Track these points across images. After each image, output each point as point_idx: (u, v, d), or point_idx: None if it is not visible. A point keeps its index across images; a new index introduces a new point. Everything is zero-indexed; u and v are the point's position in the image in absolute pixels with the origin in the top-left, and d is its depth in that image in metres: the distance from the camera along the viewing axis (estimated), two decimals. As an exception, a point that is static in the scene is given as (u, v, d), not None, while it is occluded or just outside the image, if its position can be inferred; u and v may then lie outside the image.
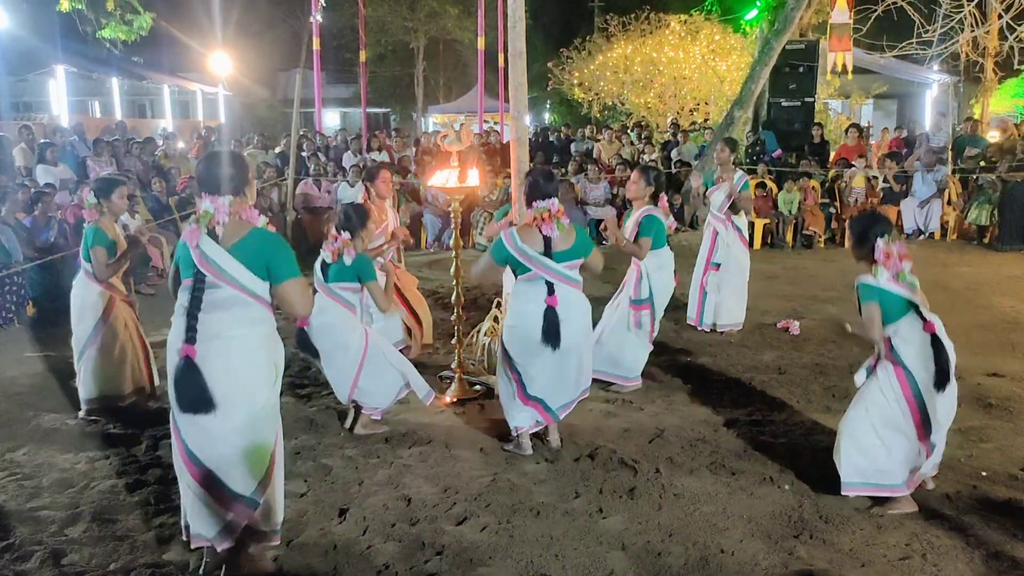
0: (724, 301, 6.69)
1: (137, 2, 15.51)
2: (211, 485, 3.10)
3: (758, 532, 3.58)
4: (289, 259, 3.14)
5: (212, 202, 3.07)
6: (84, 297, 5.00)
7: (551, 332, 4.10)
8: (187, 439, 3.10)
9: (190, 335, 3.01)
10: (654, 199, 5.45)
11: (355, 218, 4.61)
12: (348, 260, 4.50)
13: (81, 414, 5.05)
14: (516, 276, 4.27)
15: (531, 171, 4.44)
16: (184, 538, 3.29)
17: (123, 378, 5.08)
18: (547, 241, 4.12)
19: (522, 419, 4.35)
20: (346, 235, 4.56)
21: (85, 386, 5.03)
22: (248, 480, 3.13)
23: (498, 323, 5.64)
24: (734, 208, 6.66)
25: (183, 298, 3.10)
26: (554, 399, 4.34)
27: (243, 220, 3.11)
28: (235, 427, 3.06)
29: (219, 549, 3.20)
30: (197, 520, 3.17)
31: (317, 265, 4.62)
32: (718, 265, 6.66)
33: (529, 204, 4.24)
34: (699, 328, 6.76)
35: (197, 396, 2.98)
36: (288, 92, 30.20)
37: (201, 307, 3.03)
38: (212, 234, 3.06)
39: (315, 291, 4.41)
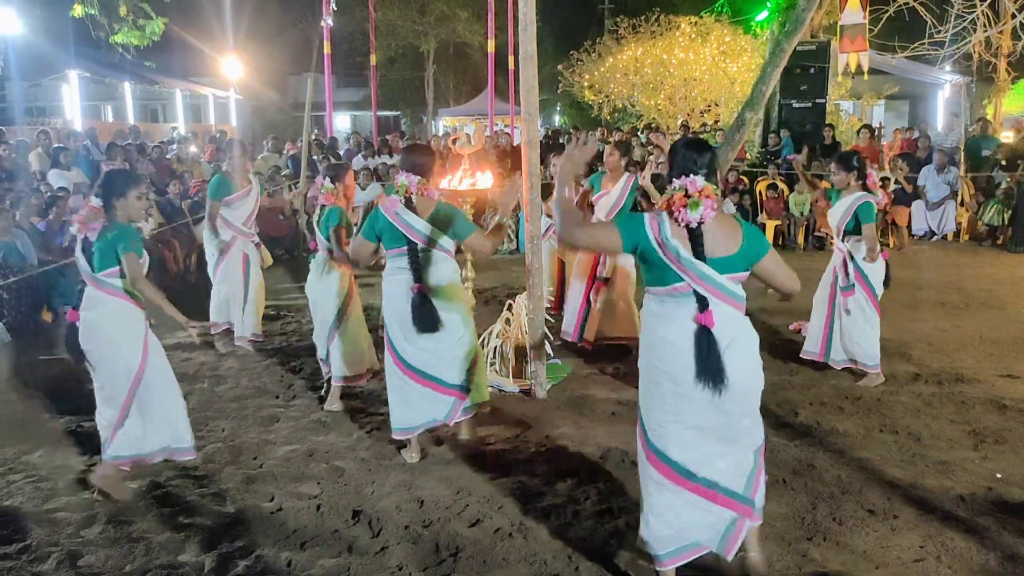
0: (603, 314, 6.19)
1: (149, 7, 15.63)
2: (428, 381, 4.26)
3: (771, 534, 3.56)
4: (466, 220, 4.32)
5: (407, 178, 4.17)
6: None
7: (706, 362, 2.86)
8: (406, 355, 4.24)
9: (417, 276, 4.12)
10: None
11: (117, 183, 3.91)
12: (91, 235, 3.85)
13: None
14: (647, 284, 3.06)
15: (678, 141, 3.25)
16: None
17: None
18: (694, 237, 2.92)
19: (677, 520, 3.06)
20: (97, 201, 3.87)
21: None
22: (461, 373, 4.31)
23: (510, 324, 5.65)
24: (620, 215, 6.09)
25: (400, 261, 4.20)
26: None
27: (427, 197, 4.22)
28: (457, 339, 4.26)
29: (450, 423, 4.40)
30: (419, 411, 4.30)
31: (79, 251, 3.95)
32: (606, 280, 6.16)
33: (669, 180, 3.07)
34: (579, 344, 6.27)
35: (431, 319, 4.11)
36: (299, 96, 30.36)
37: (420, 264, 4.14)
38: (409, 205, 4.13)
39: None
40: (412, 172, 4.23)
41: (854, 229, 5.38)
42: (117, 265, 3.82)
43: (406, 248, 4.19)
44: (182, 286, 8.79)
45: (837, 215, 5.44)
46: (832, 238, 10.85)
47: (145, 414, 3.96)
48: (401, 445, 4.47)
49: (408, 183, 4.18)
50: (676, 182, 2.97)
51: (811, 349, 5.74)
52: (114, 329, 3.88)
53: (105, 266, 3.84)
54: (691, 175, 2.95)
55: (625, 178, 6.21)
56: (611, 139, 15.48)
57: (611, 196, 6.16)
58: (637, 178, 6.30)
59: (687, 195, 2.91)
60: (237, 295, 6.43)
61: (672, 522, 3.04)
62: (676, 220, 2.91)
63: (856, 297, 5.47)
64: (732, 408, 2.94)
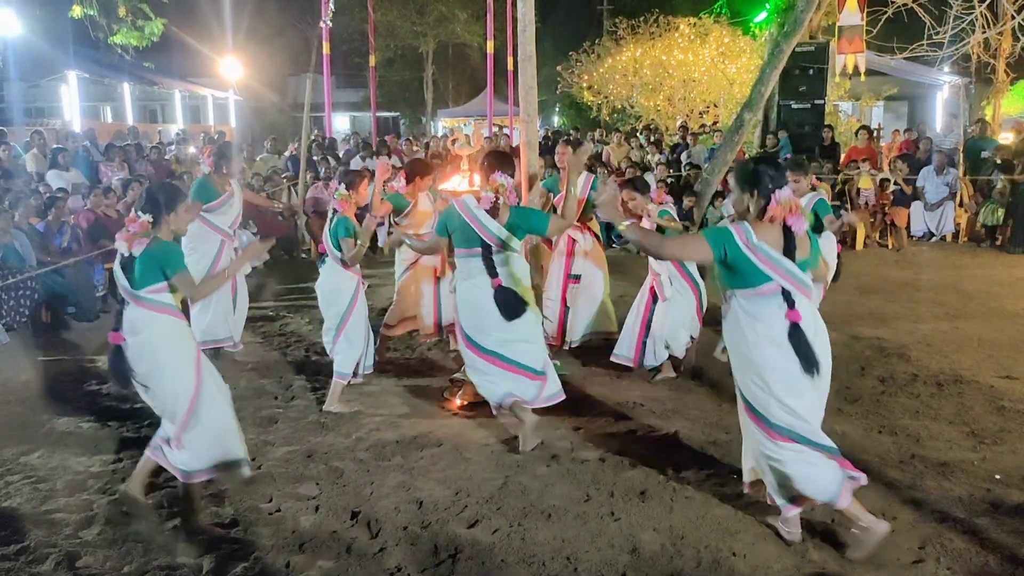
0: (579, 313, 6.21)
1: (148, 8, 15.63)
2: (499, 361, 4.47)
3: (770, 535, 3.56)
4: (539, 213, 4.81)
5: (504, 179, 4.34)
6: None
7: (805, 354, 3.26)
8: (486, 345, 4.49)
9: (493, 273, 4.38)
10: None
11: (162, 198, 3.73)
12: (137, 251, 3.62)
13: None
14: (735, 288, 3.36)
15: (748, 161, 3.58)
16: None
17: None
18: (790, 242, 3.28)
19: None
20: (147, 217, 3.67)
21: None
22: (534, 357, 4.50)
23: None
24: (585, 214, 6.10)
25: (475, 263, 4.43)
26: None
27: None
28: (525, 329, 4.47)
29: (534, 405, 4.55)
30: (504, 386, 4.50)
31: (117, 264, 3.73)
32: (578, 277, 6.16)
33: (752, 193, 3.34)
34: (565, 347, 6.27)
35: (515, 306, 4.37)
36: (298, 96, 30.38)
37: (495, 266, 4.38)
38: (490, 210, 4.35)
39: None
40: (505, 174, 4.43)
41: (813, 229, 5.34)
42: (161, 281, 3.63)
43: (479, 248, 4.42)
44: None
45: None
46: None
47: (202, 428, 3.67)
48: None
49: (506, 183, 4.37)
50: (780, 195, 3.28)
51: None
52: (168, 348, 3.64)
53: (147, 283, 3.61)
54: (782, 188, 3.30)
55: (584, 177, 6.06)
56: (610, 140, 15.49)
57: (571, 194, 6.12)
58: (596, 178, 6.28)
59: (790, 207, 3.27)
60: (226, 303, 6.17)
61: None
62: (791, 227, 3.27)
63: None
64: (822, 385, 3.39)
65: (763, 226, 3.28)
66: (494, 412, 4.70)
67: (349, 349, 5.18)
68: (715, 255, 3.28)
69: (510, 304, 4.36)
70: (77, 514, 3.85)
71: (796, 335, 3.24)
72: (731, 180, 3.57)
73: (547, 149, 14.54)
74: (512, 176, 4.44)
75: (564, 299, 6.22)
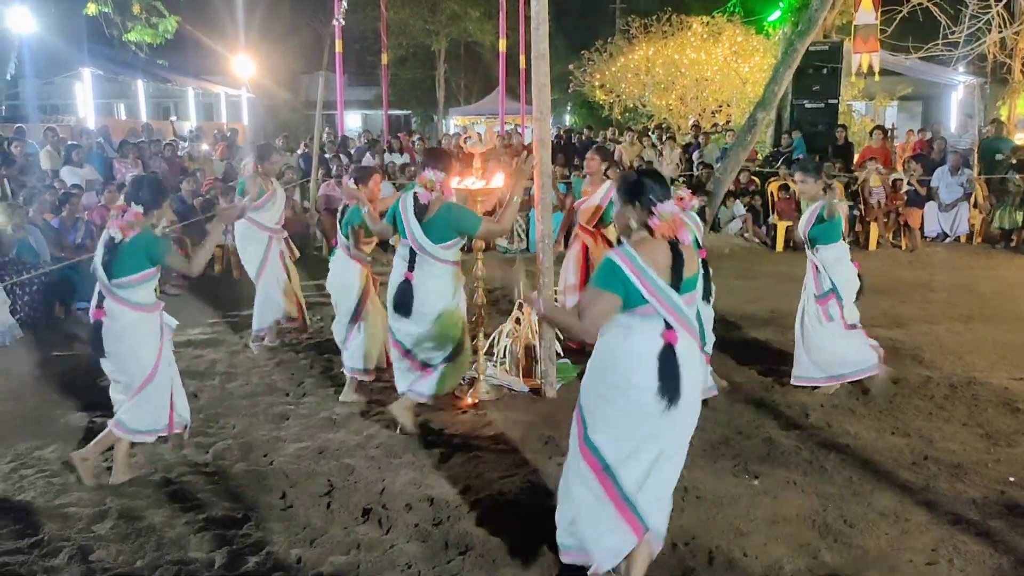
0: None
1: (162, 6, 15.70)
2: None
3: (782, 536, 3.55)
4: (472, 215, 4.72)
5: (433, 173, 4.52)
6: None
7: (668, 378, 2.90)
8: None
9: (411, 266, 4.52)
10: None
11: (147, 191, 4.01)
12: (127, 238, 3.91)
13: None
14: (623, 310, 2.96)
15: (631, 172, 3.20)
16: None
17: None
18: (677, 261, 2.95)
19: (612, 544, 3.05)
20: (139, 208, 3.94)
21: None
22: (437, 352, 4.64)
23: (520, 324, 5.65)
24: (603, 222, 6.13)
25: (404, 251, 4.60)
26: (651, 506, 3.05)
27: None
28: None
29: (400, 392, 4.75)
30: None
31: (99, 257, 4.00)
32: None
33: (632, 206, 3.02)
34: (586, 348, 6.29)
35: (402, 305, 4.58)
36: (310, 94, 30.47)
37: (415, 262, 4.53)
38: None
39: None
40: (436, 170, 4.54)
41: (819, 237, 5.22)
42: (137, 272, 3.97)
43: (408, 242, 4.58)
44: (195, 281, 8.80)
45: (802, 222, 5.37)
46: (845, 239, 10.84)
47: (148, 402, 4.15)
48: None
49: (434, 178, 4.49)
50: (661, 208, 2.94)
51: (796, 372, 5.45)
52: (133, 339, 4.07)
53: (123, 272, 3.94)
54: (664, 202, 2.96)
55: (607, 184, 6.11)
56: (622, 139, 15.46)
57: (592, 201, 6.18)
58: None
59: (673, 223, 2.94)
60: (276, 290, 6.45)
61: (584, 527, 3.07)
62: (677, 242, 2.94)
63: (831, 301, 5.26)
64: (674, 425, 2.99)
65: (649, 244, 2.95)
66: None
67: (365, 341, 5.29)
68: (621, 297, 2.89)
69: (398, 301, 4.56)
70: (90, 508, 3.87)
71: (667, 357, 2.90)
72: (614, 193, 3.34)
73: (560, 148, 14.54)
74: (444, 171, 4.53)
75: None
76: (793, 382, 5.40)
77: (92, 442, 4.23)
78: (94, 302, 4.05)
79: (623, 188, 3.07)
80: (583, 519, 3.07)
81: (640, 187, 2.99)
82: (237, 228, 6.46)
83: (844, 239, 5.36)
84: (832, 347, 5.25)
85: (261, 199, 6.30)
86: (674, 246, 2.94)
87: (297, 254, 5.74)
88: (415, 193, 4.57)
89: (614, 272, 2.91)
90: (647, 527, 3.01)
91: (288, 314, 6.51)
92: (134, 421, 4.13)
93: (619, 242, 3.19)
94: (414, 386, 4.71)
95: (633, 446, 2.98)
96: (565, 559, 3.18)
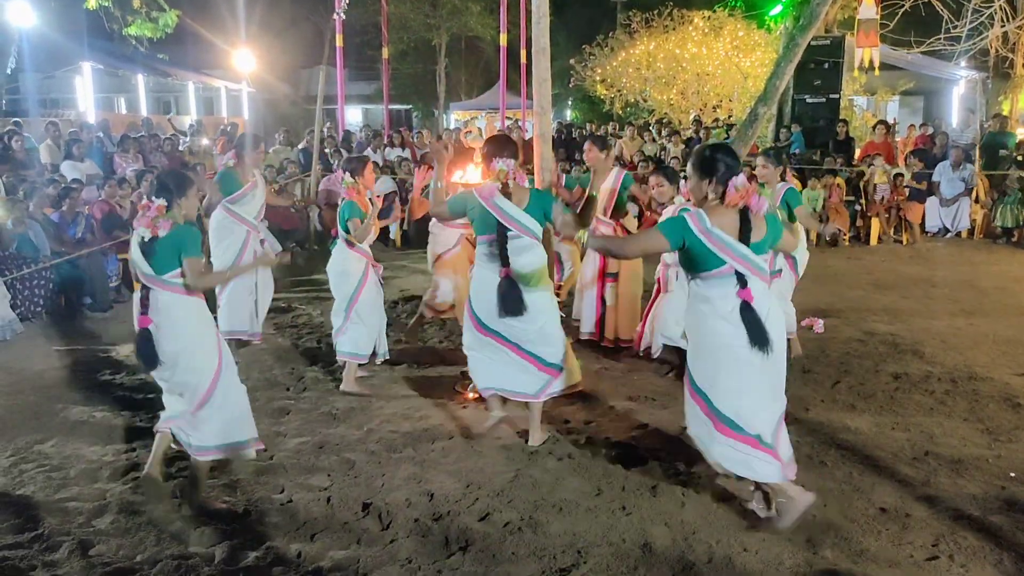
0: (622, 312, 6.15)
1: (163, 0, 15.65)
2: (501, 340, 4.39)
3: (782, 531, 3.55)
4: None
5: (504, 163, 4.23)
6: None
7: (755, 331, 3.32)
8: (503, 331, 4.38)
9: (505, 262, 4.23)
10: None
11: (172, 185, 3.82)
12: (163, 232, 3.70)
13: None
14: (693, 272, 3.44)
15: (704, 148, 3.57)
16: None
17: None
18: (744, 224, 3.34)
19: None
20: (161, 201, 3.74)
21: None
22: (558, 352, 4.41)
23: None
24: (619, 211, 6.16)
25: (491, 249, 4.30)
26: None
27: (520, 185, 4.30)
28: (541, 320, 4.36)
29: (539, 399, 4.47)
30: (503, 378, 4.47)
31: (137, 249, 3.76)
32: (615, 275, 6.09)
33: (710, 180, 3.41)
34: (602, 343, 6.20)
35: (513, 303, 4.23)
36: (311, 88, 30.38)
37: (508, 254, 4.23)
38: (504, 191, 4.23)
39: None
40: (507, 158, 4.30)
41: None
42: (179, 267, 3.71)
43: (495, 235, 4.28)
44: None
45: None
46: (846, 234, 10.84)
47: (219, 407, 3.80)
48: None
49: (507, 168, 4.26)
50: (736, 181, 3.35)
51: None
52: (193, 329, 3.77)
53: (168, 268, 3.69)
54: (738, 175, 3.38)
55: (616, 172, 6.13)
56: (622, 135, 15.43)
57: (605, 185, 6.06)
58: (628, 174, 6.25)
59: (747, 192, 3.36)
60: (248, 296, 6.12)
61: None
62: (751, 209, 3.36)
63: (784, 277, 5.56)
64: (772, 370, 3.44)
65: (719, 211, 3.37)
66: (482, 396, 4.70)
67: (361, 327, 5.34)
68: (672, 244, 3.40)
69: (508, 299, 4.22)
70: (91, 502, 3.87)
71: (748, 313, 3.32)
72: (688, 167, 3.57)
73: (561, 142, 14.51)
74: (514, 158, 4.28)
75: (601, 297, 6.15)
76: None
77: (151, 458, 3.93)
78: (137, 311, 3.74)
79: (698, 164, 3.46)
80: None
81: (714, 162, 3.41)
82: (213, 219, 6.11)
83: None
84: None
85: (240, 191, 6.08)
86: (743, 213, 3.34)
87: (274, 259, 5.46)
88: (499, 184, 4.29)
89: (682, 226, 3.36)
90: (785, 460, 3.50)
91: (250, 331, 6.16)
92: (205, 438, 3.77)
93: None
94: (550, 388, 4.42)
95: (759, 398, 3.42)
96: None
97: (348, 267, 5.39)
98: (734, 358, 3.37)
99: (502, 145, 4.37)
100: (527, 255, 4.29)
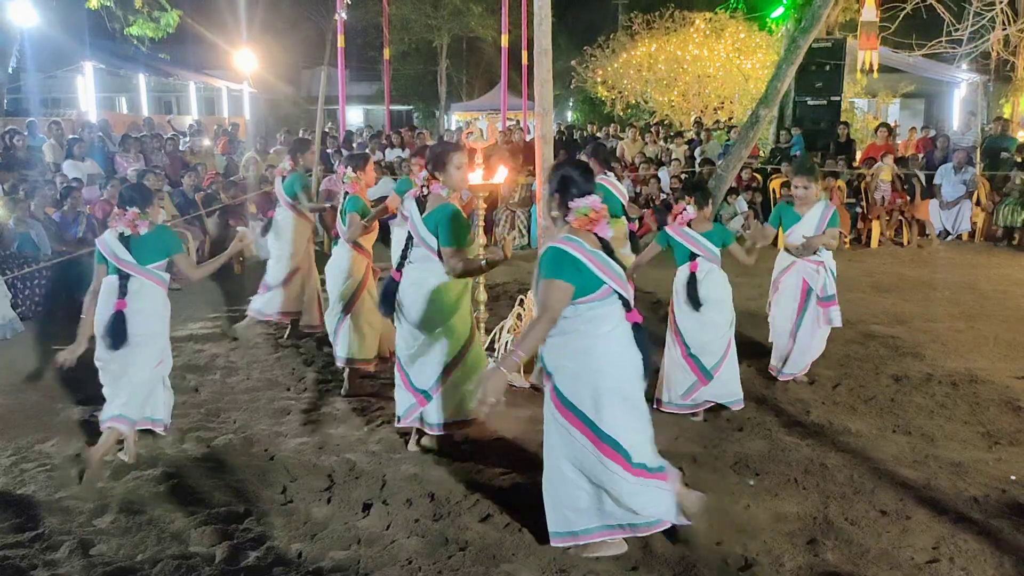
0: None
1: (164, 0, 15.66)
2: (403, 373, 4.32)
3: (783, 533, 3.55)
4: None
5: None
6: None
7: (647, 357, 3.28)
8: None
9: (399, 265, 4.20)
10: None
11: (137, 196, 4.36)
12: (142, 230, 4.27)
13: None
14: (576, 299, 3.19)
15: (561, 164, 3.43)
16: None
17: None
18: (605, 246, 3.26)
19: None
20: (134, 209, 4.27)
21: None
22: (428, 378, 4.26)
23: (521, 320, 5.64)
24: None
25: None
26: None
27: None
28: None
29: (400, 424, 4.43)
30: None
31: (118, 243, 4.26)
32: None
33: (563, 205, 3.26)
34: None
35: (383, 302, 4.24)
36: (312, 89, 30.41)
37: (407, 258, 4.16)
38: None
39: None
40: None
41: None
42: (161, 260, 4.33)
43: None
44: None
45: (812, 227, 5.25)
46: (846, 237, 10.84)
47: (154, 385, 4.39)
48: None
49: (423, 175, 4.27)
50: (579, 203, 3.20)
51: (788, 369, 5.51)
52: (161, 314, 4.38)
53: (150, 261, 4.28)
54: (588, 196, 3.23)
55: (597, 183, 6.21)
56: (624, 135, 15.43)
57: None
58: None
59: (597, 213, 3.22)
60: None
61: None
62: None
63: (834, 307, 5.39)
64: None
65: (582, 231, 3.20)
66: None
67: (354, 336, 5.32)
68: (576, 286, 3.13)
69: (382, 298, 4.23)
70: (91, 502, 3.87)
71: (639, 336, 3.24)
72: (544, 180, 3.48)
73: (562, 144, 14.51)
74: (433, 163, 4.17)
75: None
76: (782, 377, 5.49)
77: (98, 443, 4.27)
78: (115, 296, 4.21)
79: (551, 178, 3.28)
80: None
81: (564, 182, 3.23)
82: (281, 216, 6.66)
83: None
84: (818, 347, 5.50)
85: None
86: (600, 237, 3.21)
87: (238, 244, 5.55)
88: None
89: (563, 260, 3.11)
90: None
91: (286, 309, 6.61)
92: (132, 406, 4.28)
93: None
94: (413, 413, 4.35)
95: (641, 420, 3.29)
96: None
97: (347, 267, 5.38)
98: (630, 383, 3.26)
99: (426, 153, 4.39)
100: (418, 269, 4.15)
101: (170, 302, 4.46)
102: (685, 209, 4.83)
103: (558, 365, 3.22)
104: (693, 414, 4.87)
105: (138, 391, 4.28)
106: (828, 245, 5.29)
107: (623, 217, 6.04)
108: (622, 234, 6.00)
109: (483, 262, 4.13)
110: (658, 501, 3.28)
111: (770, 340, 5.65)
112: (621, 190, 6.18)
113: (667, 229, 4.93)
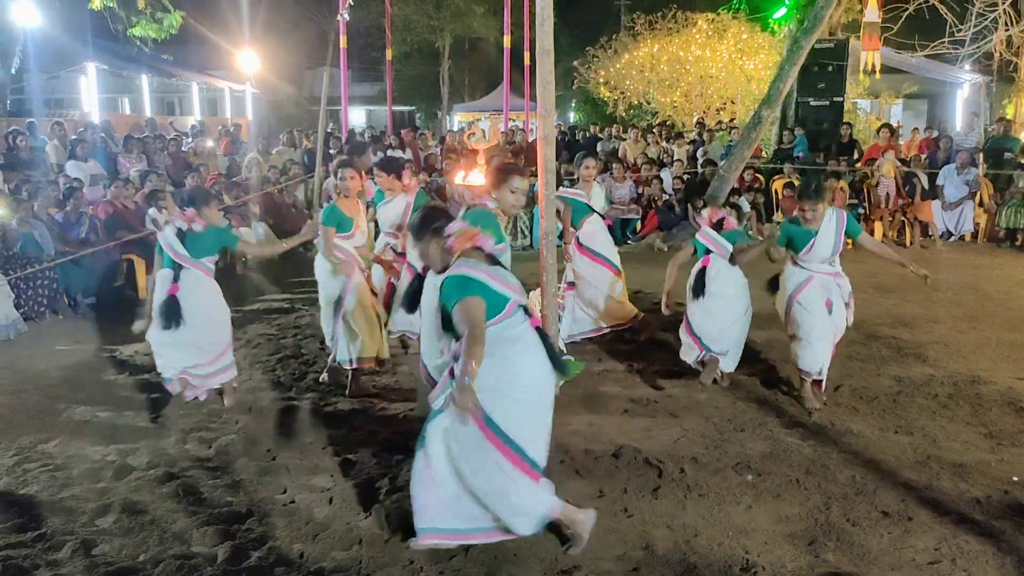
0: (577, 316, 6.32)
1: (167, 1, 15.69)
2: None
3: (784, 534, 3.55)
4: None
5: None
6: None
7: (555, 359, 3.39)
8: None
9: None
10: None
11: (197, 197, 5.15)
12: (197, 228, 4.97)
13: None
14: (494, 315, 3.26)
15: (417, 218, 3.58)
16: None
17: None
18: (492, 260, 3.41)
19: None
20: (192, 210, 5.02)
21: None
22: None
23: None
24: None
25: None
26: None
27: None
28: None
29: None
30: None
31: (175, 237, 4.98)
32: (572, 284, 6.30)
33: (439, 237, 3.42)
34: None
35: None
36: (315, 90, 30.43)
37: None
38: None
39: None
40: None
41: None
42: (214, 253, 5.08)
43: None
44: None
45: (829, 244, 5.02)
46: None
47: (225, 355, 5.17)
48: None
49: None
50: (449, 229, 3.36)
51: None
52: (215, 299, 5.10)
53: (203, 255, 5.00)
54: (448, 224, 3.40)
55: (595, 191, 6.39)
56: (626, 136, 15.43)
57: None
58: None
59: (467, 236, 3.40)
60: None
61: None
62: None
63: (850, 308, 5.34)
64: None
65: (470, 252, 3.33)
66: None
67: (351, 332, 5.34)
68: (483, 296, 3.19)
69: (404, 295, 4.54)
70: (93, 502, 3.88)
71: (544, 339, 3.36)
72: (410, 235, 3.60)
73: (564, 145, 14.51)
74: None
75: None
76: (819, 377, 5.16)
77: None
78: (168, 281, 4.88)
79: (416, 231, 3.46)
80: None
81: (426, 223, 3.42)
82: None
83: None
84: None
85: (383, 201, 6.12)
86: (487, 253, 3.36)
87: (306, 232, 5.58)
88: None
89: (467, 282, 3.20)
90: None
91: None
92: (219, 377, 5.13)
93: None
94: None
95: (543, 424, 3.41)
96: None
97: (333, 270, 5.39)
98: (542, 390, 3.37)
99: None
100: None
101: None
102: (725, 218, 5.44)
103: (479, 385, 3.14)
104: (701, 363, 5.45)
105: (213, 351, 5.04)
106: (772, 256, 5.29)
107: (595, 214, 6.30)
108: (600, 228, 6.31)
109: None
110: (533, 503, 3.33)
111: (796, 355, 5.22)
112: (580, 194, 6.33)
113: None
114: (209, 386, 5.14)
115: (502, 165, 4.47)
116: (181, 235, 4.96)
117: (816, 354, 5.04)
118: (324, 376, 5.57)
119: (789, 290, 5.16)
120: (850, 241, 5.17)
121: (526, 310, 3.35)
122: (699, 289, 5.28)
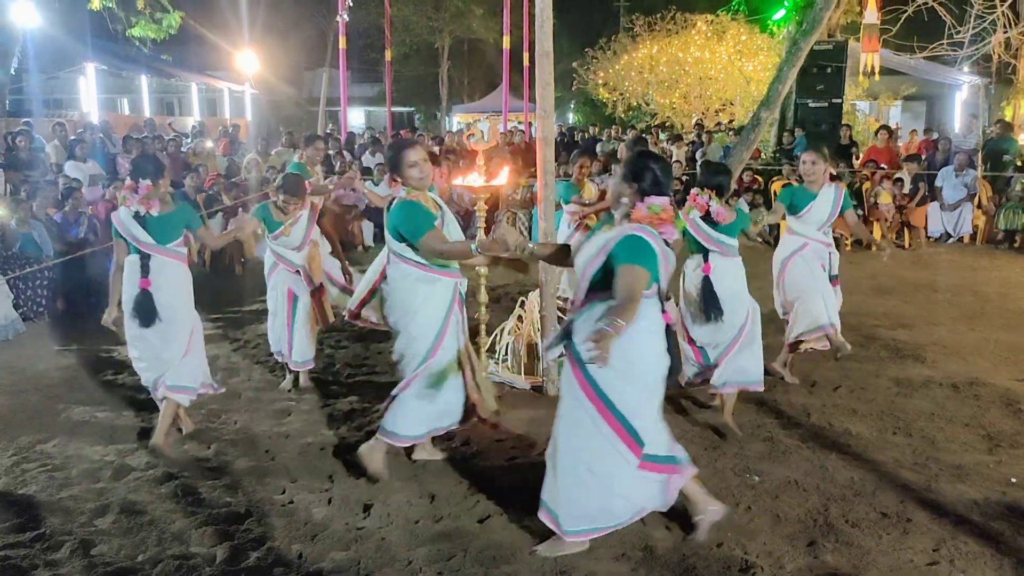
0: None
1: (167, 1, 15.70)
2: None
3: (783, 535, 3.55)
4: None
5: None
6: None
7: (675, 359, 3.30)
8: None
9: None
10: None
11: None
12: (155, 211, 4.35)
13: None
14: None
15: (642, 154, 3.37)
16: None
17: None
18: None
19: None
20: (146, 182, 4.36)
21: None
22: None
23: (522, 322, 5.65)
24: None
25: None
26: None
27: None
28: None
29: None
30: None
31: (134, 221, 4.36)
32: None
33: (637, 194, 3.20)
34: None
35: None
36: (314, 90, 30.46)
37: None
38: None
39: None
40: None
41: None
42: (179, 237, 4.47)
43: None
44: (197, 277, 8.81)
45: (826, 210, 5.32)
46: (848, 239, 10.84)
47: (195, 355, 4.60)
48: None
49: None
50: (651, 200, 3.17)
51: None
52: (185, 288, 4.54)
53: (169, 239, 4.42)
54: (663, 196, 3.21)
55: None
56: (625, 137, 15.45)
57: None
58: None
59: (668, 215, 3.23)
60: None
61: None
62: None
63: (837, 286, 5.55)
64: None
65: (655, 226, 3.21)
66: None
67: (306, 334, 5.46)
68: (653, 273, 3.20)
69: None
70: (92, 502, 3.88)
71: (669, 335, 3.28)
72: (623, 167, 3.36)
73: (563, 146, 14.52)
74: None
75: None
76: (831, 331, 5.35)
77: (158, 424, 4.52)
78: (138, 275, 4.34)
79: (632, 160, 3.26)
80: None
81: (641, 171, 3.19)
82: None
83: None
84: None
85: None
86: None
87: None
88: None
89: (645, 249, 3.10)
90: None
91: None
92: (185, 378, 4.51)
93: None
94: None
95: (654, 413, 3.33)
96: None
97: (270, 275, 5.46)
98: (656, 376, 3.30)
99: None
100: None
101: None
102: (711, 209, 4.73)
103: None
104: (712, 397, 5.01)
105: (186, 362, 4.48)
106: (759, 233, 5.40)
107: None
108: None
109: (474, 247, 3.78)
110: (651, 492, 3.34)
111: (784, 316, 5.56)
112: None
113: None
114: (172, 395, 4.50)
115: (390, 144, 4.30)
116: (140, 219, 4.34)
117: (821, 307, 5.28)
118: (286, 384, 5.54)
119: (785, 255, 5.46)
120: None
121: (662, 307, 3.24)
122: (713, 308, 4.54)
